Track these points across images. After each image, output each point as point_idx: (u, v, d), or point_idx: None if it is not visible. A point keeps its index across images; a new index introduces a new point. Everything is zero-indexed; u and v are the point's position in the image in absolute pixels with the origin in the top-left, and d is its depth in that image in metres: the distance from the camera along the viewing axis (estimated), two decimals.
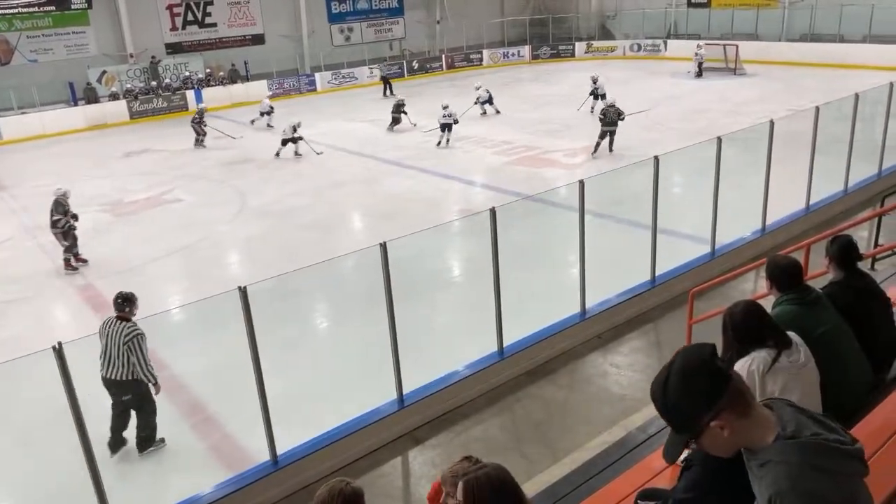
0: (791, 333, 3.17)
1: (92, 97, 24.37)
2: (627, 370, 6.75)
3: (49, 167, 18.20)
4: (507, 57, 33.21)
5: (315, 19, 30.31)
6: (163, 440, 6.01)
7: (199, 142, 19.16)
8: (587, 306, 7.27)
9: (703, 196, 8.57)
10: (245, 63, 27.89)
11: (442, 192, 13.66)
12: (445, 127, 17.17)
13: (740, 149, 11.24)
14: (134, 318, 5.82)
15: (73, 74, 24.59)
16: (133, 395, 5.75)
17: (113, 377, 5.68)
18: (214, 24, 28.19)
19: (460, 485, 2.45)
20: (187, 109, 25.31)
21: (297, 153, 17.15)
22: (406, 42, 33.20)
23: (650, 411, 5.41)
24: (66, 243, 10.56)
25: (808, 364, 3.11)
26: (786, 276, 3.59)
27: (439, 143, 17.35)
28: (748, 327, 3.13)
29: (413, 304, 8.32)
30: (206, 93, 25.86)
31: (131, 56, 26.08)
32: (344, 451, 5.50)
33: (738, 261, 8.29)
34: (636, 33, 32.41)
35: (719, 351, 3.17)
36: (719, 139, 8.25)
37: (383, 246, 5.54)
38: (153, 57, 26.34)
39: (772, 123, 8.91)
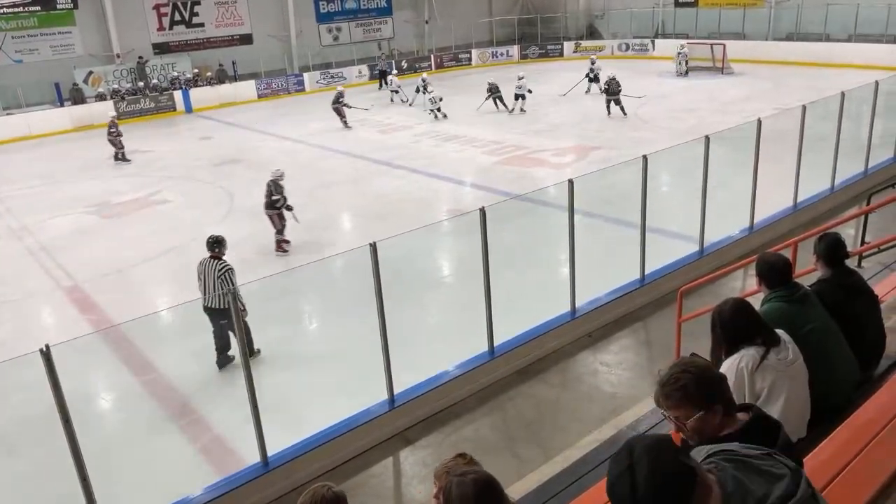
0: (779, 331, 3.19)
1: (78, 98, 24.16)
2: (617, 368, 6.77)
3: (35, 169, 18.05)
4: (496, 56, 33.24)
5: (303, 19, 30.22)
6: (259, 351, 7.00)
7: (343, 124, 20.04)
8: (577, 305, 7.29)
9: (692, 195, 8.62)
10: (233, 63, 27.76)
11: (432, 192, 13.66)
12: (519, 97, 20.11)
13: (728, 147, 11.30)
14: (224, 257, 7.12)
15: (59, 75, 24.37)
16: (228, 319, 6.68)
17: (211, 306, 6.88)
18: (202, 24, 28.05)
19: (439, 487, 2.44)
20: (175, 110, 25.21)
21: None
22: (395, 42, 33.16)
23: (640, 409, 5.45)
24: (281, 224, 10.66)
25: (797, 361, 3.14)
26: (775, 273, 3.62)
27: (512, 110, 20.12)
28: (737, 325, 3.15)
29: (403, 305, 8.30)
30: (194, 93, 25.74)
31: (118, 56, 25.89)
32: (335, 451, 5.49)
33: (727, 259, 8.34)
34: (624, 33, 32.55)
35: (706, 351, 3.21)
36: (707, 138, 8.29)
37: (373, 246, 5.53)
38: (140, 57, 26.16)
39: (759, 122, 8.97)
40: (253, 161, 16.99)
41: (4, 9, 23.20)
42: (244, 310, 6.60)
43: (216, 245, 7.17)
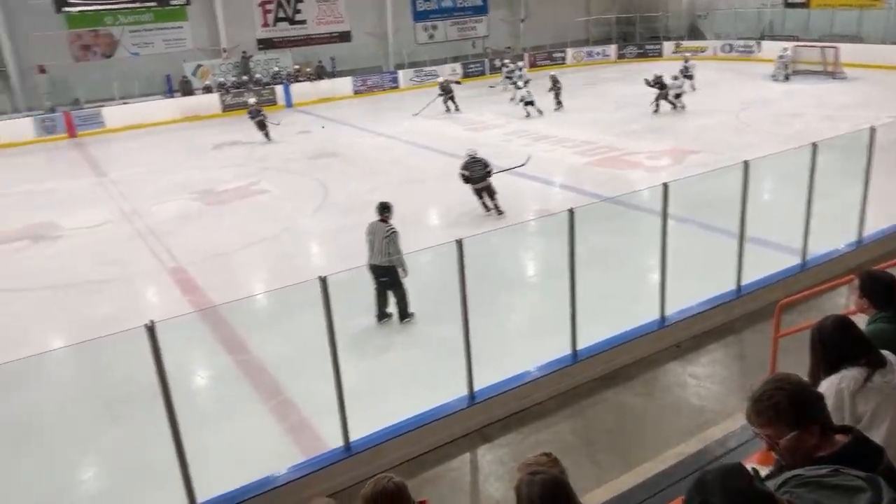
0: (886, 353, 3.00)
1: (187, 90, 25.54)
2: (707, 381, 6.54)
3: (145, 156, 19.22)
4: (592, 56, 32.69)
5: (400, 17, 30.73)
6: (413, 314, 7.98)
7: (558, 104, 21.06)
8: (667, 313, 7.09)
9: (795, 204, 8.19)
10: (332, 60, 28.58)
11: (520, 191, 13.58)
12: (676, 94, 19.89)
13: (837, 156, 10.67)
14: (391, 221, 7.98)
15: (171, 68, 25.87)
16: (388, 277, 7.78)
17: (375, 263, 7.75)
18: (304, 22, 29.01)
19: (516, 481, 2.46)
20: (276, 104, 26.19)
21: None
22: (489, 40, 33.19)
23: (729, 425, 5.25)
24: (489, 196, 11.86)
25: None
26: (883, 292, 3.40)
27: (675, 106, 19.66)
28: (839, 344, 2.98)
29: (487, 302, 8.35)
30: (294, 88, 26.68)
31: (224, 51, 27.17)
32: (414, 442, 5.57)
33: (831, 273, 7.88)
34: (728, 33, 31.25)
35: (805, 370, 3.05)
36: (814, 145, 7.86)
37: (459, 243, 5.56)
38: (245, 52, 27.35)
39: (872, 130, 8.42)
40: (347, 155, 17.46)
41: (125, 4, 24.80)
42: (405, 270, 7.67)
43: (384, 209, 8.07)
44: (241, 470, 5.35)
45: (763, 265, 8.01)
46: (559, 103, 21.43)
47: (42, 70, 23.89)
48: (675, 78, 20.30)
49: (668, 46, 31.84)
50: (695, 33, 33.08)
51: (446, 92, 22.65)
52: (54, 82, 24.08)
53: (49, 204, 14.76)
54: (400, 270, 7.77)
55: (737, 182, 7.36)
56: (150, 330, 4.36)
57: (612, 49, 32.71)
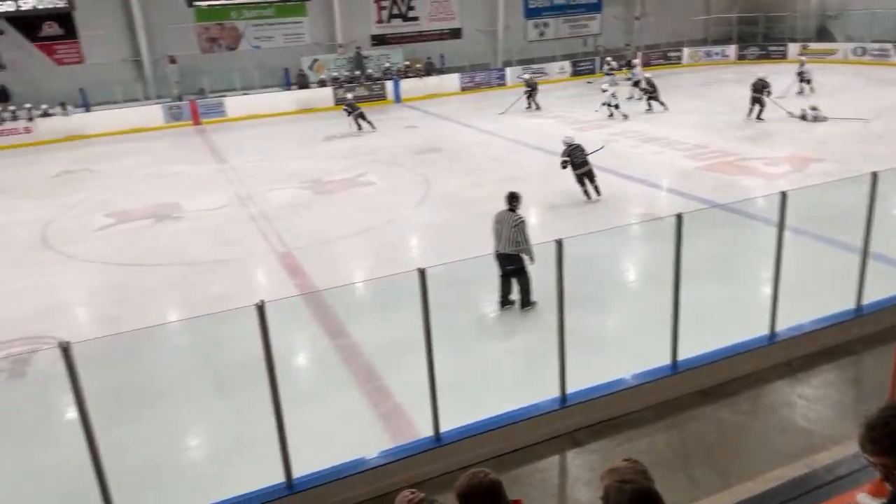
0: None
1: (303, 83, 26.60)
2: (817, 404, 6.15)
3: (261, 144, 20.19)
4: (710, 56, 31.43)
5: (511, 15, 30.67)
6: (536, 303, 8.05)
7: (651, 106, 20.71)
8: (777, 329, 6.71)
9: None
10: (441, 56, 28.92)
11: (624, 193, 13.26)
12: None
13: None
14: (518, 211, 8.11)
15: (289, 61, 27.04)
16: (514, 265, 7.96)
17: (502, 251, 7.97)
18: (416, 18, 29.52)
19: (603, 487, 2.40)
20: (385, 98, 26.83)
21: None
22: (601, 38, 32.54)
23: (839, 451, 4.93)
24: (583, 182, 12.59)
25: None
26: None
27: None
28: None
29: (583, 305, 8.20)
30: (404, 84, 27.21)
31: (340, 46, 28.07)
32: (503, 439, 5.57)
33: None
34: (861, 36, 29.10)
35: None
36: None
37: (559, 243, 5.50)
38: (358, 47, 28.15)
39: None
40: (450, 151, 17.64)
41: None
42: (532, 258, 7.83)
43: (513, 199, 8.19)
44: (333, 449, 5.53)
45: (888, 284, 7.43)
46: (653, 104, 20.91)
47: (172, 60, 25.57)
48: (806, 81, 19.42)
49: (793, 48, 30.05)
50: (824, 35, 31.04)
51: (531, 89, 22.77)
52: (182, 72, 25.71)
53: (173, 186, 15.81)
54: (526, 259, 7.93)
55: (862, 195, 6.86)
56: (260, 309, 4.58)
57: (731, 49, 31.29)
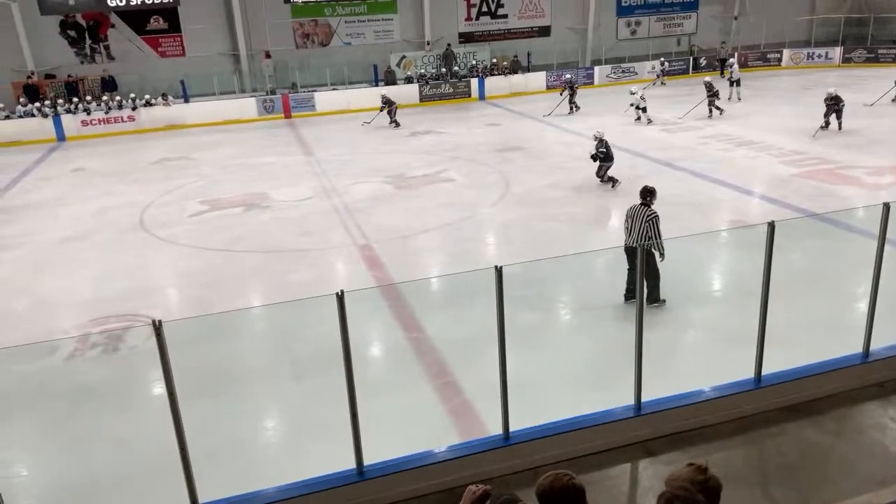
0: None
1: (390, 79, 27.01)
2: None
3: (347, 138, 20.65)
4: (812, 58, 29.87)
5: (603, 12, 30.14)
6: (664, 301, 8.03)
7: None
8: (871, 348, 6.32)
9: None
10: (528, 54, 28.73)
11: (712, 198, 12.80)
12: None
13: None
14: (653, 206, 8.06)
15: (378, 58, 27.50)
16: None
17: (632, 245, 7.92)
18: (505, 16, 29.43)
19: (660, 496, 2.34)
20: (469, 96, 26.90)
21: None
22: (696, 38, 31.50)
23: None
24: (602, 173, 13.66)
25: None
26: None
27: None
28: None
29: (663, 312, 7.99)
30: (489, 81, 27.19)
31: (428, 44, 28.34)
32: (574, 443, 5.49)
33: None
34: None
35: None
36: None
37: (642, 247, 5.37)
38: (448, 45, 28.33)
39: None
40: (531, 150, 17.51)
41: None
42: (662, 255, 7.77)
43: (648, 194, 8.16)
44: (402, 440, 5.61)
45: None
46: (722, 107, 20.41)
47: (268, 55, 26.51)
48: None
49: None
50: None
51: (570, 89, 22.56)
52: (276, 67, 26.62)
53: (264, 176, 16.40)
54: (657, 254, 7.83)
55: None
56: (340, 299, 4.69)
57: (836, 52, 29.62)
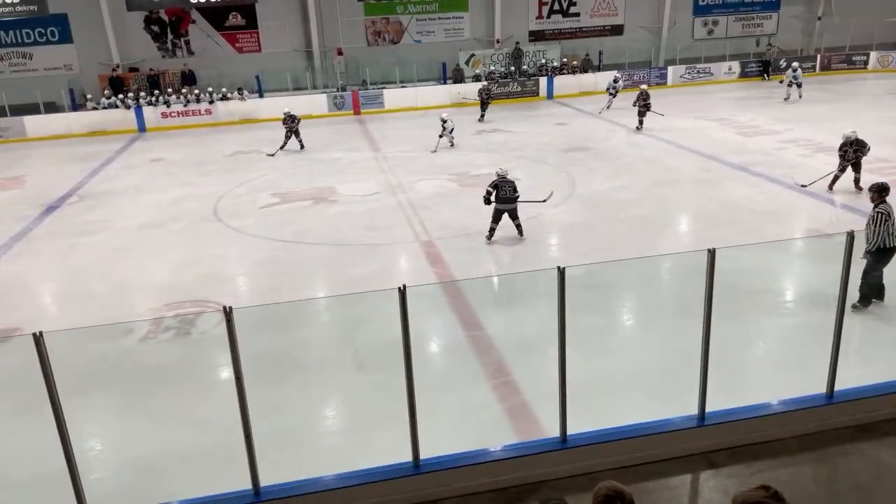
0: None
1: (459, 77, 27.06)
2: None
3: (413, 136, 20.80)
4: None
5: (679, 11, 29.36)
6: (875, 301, 7.72)
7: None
8: None
9: None
10: (599, 53, 28.28)
11: (789, 205, 12.32)
12: None
13: None
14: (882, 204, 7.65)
15: (447, 56, 27.60)
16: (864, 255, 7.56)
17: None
18: (577, 14, 29.04)
19: None
20: (538, 95, 26.69)
21: None
22: (776, 38, 30.33)
23: None
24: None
25: None
26: None
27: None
28: None
29: (731, 322, 7.74)
30: (557, 80, 26.91)
31: (497, 42, 28.26)
32: (633, 450, 5.39)
33: None
34: None
35: None
36: None
37: (711, 252, 5.22)
38: (518, 43, 28.18)
39: None
40: (599, 150, 17.25)
41: None
42: (865, 251, 7.46)
43: (882, 191, 7.80)
44: (458, 437, 5.64)
45: None
46: (641, 123, 19.37)
47: (340, 52, 26.99)
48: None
49: None
50: None
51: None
52: (347, 64, 27.07)
53: (332, 171, 16.73)
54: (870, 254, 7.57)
55: None
56: (402, 293, 4.75)
57: None
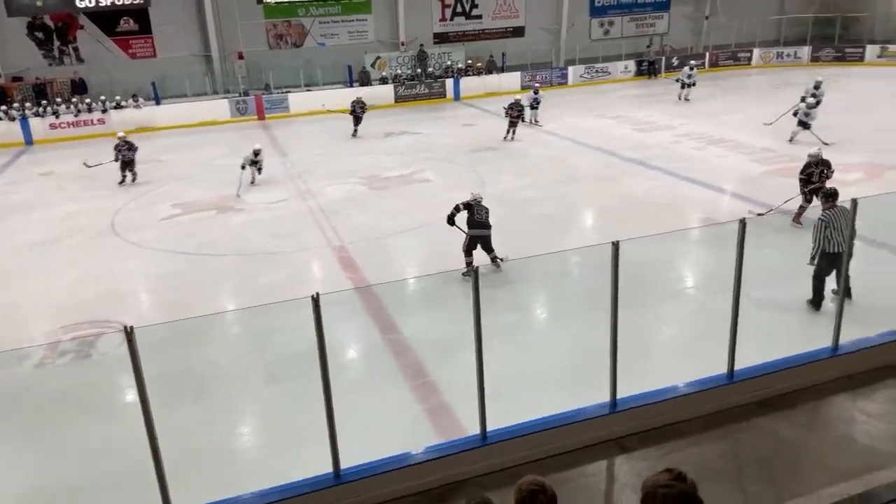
0: None
1: (365, 80, 26.90)
2: (880, 421, 5.87)
3: (321, 139, 20.53)
4: (781, 58, 30.37)
5: (576, 13, 30.33)
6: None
7: None
8: (840, 342, 6.44)
9: None
10: (503, 55, 28.81)
11: (685, 197, 12.95)
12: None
13: None
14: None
15: (352, 58, 27.37)
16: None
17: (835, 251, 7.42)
18: (480, 17, 29.49)
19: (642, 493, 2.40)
20: (444, 96, 26.90)
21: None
22: (668, 38, 31.87)
23: None
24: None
25: None
26: None
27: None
28: None
29: (637, 311, 8.05)
30: (463, 82, 27.23)
31: (402, 44, 28.29)
32: (550, 442, 5.51)
33: None
34: None
35: None
36: None
37: (615, 245, 5.40)
38: (422, 45, 28.30)
39: None
40: (506, 150, 17.56)
41: None
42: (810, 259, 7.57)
43: (828, 197, 7.82)
44: (380, 441, 5.59)
45: None
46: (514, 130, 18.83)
47: (240, 56, 26.26)
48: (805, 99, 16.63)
49: (871, 51, 28.78)
50: None
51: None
52: (249, 68, 26.37)
53: (236, 179, 16.18)
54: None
55: None
56: (315, 301, 4.66)
57: (804, 51, 30.16)
